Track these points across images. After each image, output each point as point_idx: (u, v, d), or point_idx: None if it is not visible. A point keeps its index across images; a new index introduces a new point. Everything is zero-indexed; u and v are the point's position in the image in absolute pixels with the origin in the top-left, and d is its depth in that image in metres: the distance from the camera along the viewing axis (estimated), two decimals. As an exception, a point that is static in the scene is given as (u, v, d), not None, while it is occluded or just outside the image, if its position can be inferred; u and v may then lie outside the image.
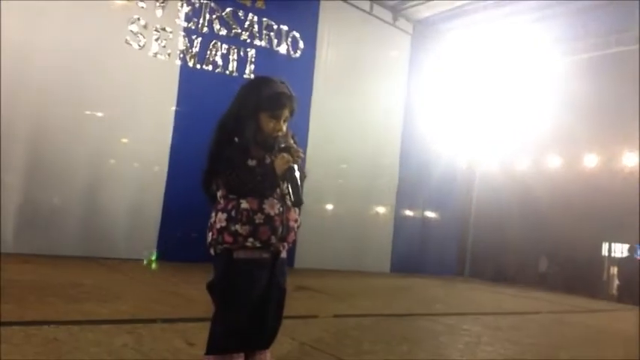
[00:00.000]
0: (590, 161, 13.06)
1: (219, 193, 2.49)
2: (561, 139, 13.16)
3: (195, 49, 8.72)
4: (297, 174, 2.44)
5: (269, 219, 2.42)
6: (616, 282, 14.05)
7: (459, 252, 13.96)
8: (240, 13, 9.17)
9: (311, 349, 3.94)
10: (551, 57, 12.14)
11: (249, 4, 9.22)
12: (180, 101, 8.64)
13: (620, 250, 14.93)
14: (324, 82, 10.39)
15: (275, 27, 9.56)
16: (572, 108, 12.12)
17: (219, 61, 8.94)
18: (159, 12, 8.33)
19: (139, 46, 8.15)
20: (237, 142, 2.45)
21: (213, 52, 8.87)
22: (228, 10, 9.02)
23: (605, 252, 15.44)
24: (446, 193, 13.12)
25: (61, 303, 4.49)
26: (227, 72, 9.02)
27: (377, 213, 12.03)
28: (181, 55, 8.62)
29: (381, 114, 11.54)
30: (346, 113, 10.79)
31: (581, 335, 6.35)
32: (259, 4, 9.31)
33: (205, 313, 2.72)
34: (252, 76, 9.17)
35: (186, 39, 8.66)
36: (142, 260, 8.27)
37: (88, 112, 7.97)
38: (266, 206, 2.43)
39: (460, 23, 11.60)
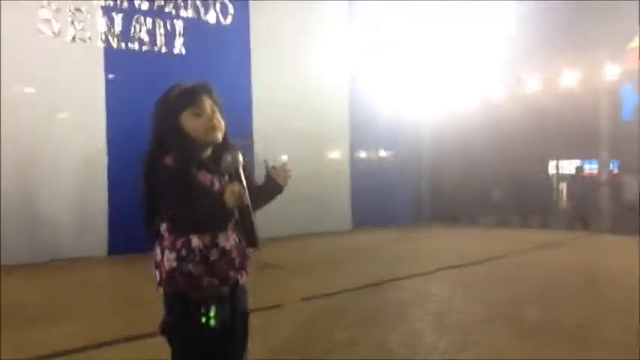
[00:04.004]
0: (531, 84, 13.17)
1: (163, 226, 2.13)
2: (501, 69, 13.18)
3: (118, 28, 8.08)
4: (250, 208, 2.01)
5: (225, 253, 2.12)
6: (566, 201, 14.34)
7: (418, 196, 14.00)
8: (162, -17, 8.53)
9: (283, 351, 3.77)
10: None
11: (170, -29, 8.58)
12: (109, 84, 8.09)
13: (568, 167, 15.35)
14: (262, 45, 9.91)
15: (201, -6, 8.96)
16: (512, 36, 12.05)
17: (146, 38, 8.34)
18: (70, -7, 7.63)
19: (54, 33, 7.47)
20: (169, 167, 2.05)
21: (138, 29, 8.25)
22: (147, -20, 8.36)
23: (553, 171, 15.83)
24: (398, 139, 13.01)
25: (4, 332, 4.13)
26: (155, 48, 8.43)
27: (332, 170, 11.85)
28: (103, 37, 7.98)
29: (326, 68, 11.17)
30: (289, 72, 10.38)
31: (554, 281, 6.30)
32: (182, -29, 8.68)
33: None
34: (183, 50, 8.63)
35: (106, 17, 8.00)
36: (93, 257, 7.88)
37: (9, 114, 7.31)
38: (220, 239, 2.11)
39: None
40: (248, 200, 2.00)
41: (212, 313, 2.13)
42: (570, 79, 12.45)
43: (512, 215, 13.61)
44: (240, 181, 2.03)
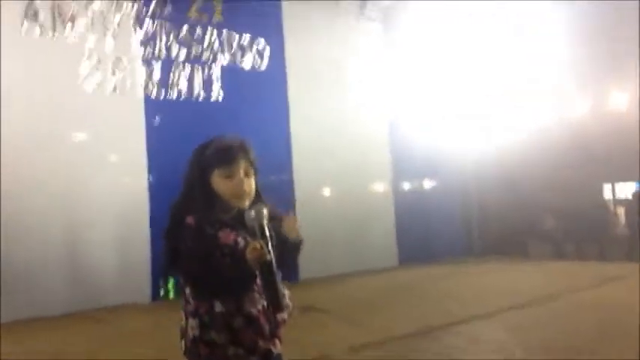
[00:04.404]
0: (579, 105, 12.75)
1: (187, 291, 2.01)
2: (548, 91, 12.80)
3: (157, 77, 8.17)
4: (275, 267, 1.87)
5: (251, 320, 1.96)
6: (624, 228, 13.52)
7: (465, 228, 13.50)
8: (198, 31, 8.59)
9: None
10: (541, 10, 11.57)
11: (206, 19, 8.65)
12: (150, 132, 8.12)
13: (623, 190, 14.60)
14: (299, 84, 9.89)
15: (237, 38, 9.00)
16: (557, 58, 11.69)
17: (184, 85, 8.40)
18: (110, 44, 7.76)
19: (95, 85, 7.60)
20: (191, 226, 1.93)
21: (176, 77, 8.32)
22: (184, 29, 8.45)
23: (608, 194, 15.07)
24: (441, 169, 12.64)
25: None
26: (193, 95, 8.48)
27: (375, 205, 11.57)
28: (143, 86, 8.07)
29: (364, 104, 11.05)
30: (328, 110, 10.30)
31: (617, 324, 5.83)
32: (217, 18, 8.73)
33: None
34: (221, 96, 8.67)
35: (145, 67, 8.11)
36: (136, 304, 7.80)
37: (55, 164, 7.43)
38: (246, 304, 1.95)
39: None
40: (271, 257, 1.84)
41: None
42: (617, 98, 12.05)
43: (567, 245, 12.98)
44: (264, 238, 1.88)
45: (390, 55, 11.52)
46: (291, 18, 9.83)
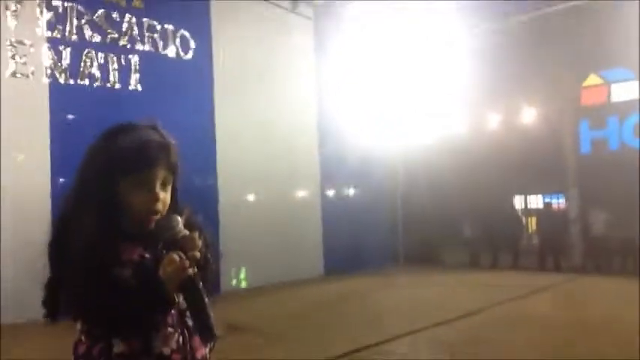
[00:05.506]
0: (494, 119, 13.17)
1: (78, 326, 1.49)
2: (467, 104, 13.10)
3: (65, 62, 7.30)
4: (201, 286, 1.44)
5: None
6: (536, 237, 14.05)
7: (391, 235, 13.40)
8: (115, 15, 7.82)
9: None
10: (462, 27, 11.69)
11: (124, 3, 7.89)
12: (55, 126, 7.21)
13: (536, 201, 15.31)
14: (225, 81, 9.33)
15: (159, 27, 8.29)
16: (475, 70, 11.88)
17: (97, 73, 7.58)
18: (12, 23, 6.83)
19: (-7, 67, 6.65)
20: (83, 239, 1.41)
21: (88, 63, 7.49)
22: (99, 12, 7.63)
23: (519, 206, 15.74)
24: (369, 177, 12.46)
25: None
26: (108, 84, 7.68)
27: (302, 212, 11.15)
28: (49, 71, 7.18)
29: (293, 105, 10.64)
30: (255, 111, 9.81)
31: (550, 341, 5.78)
32: (136, 4, 7.98)
33: None
34: (139, 86, 7.91)
35: (52, 51, 7.23)
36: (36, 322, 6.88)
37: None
38: (156, 342, 1.45)
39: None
40: (194, 273, 1.42)
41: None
42: (531, 115, 12.50)
43: (484, 253, 13.23)
44: (183, 248, 1.44)
45: (320, 55, 11.17)
46: (220, 9, 9.24)
